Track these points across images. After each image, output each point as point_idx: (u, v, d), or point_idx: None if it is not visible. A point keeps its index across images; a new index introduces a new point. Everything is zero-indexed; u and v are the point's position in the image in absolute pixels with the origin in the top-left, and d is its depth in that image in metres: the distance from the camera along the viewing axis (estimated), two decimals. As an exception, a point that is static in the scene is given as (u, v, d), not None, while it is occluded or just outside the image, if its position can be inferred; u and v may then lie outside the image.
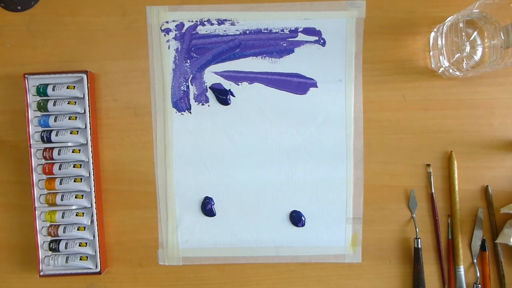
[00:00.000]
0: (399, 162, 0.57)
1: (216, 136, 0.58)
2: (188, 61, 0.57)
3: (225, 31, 0.57)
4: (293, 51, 0.57)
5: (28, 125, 0.56)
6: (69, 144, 0.56)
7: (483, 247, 0.57)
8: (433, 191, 0.57)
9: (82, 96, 0.56)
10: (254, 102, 0.57)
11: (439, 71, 0.56)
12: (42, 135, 0.56)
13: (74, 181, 0.56)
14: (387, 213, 0.58)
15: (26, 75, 0.55)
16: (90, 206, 0.56)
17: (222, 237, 0.58)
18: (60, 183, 0.56)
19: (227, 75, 0.57)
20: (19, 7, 0.57)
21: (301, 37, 0.57)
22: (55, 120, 0.55)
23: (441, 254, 0.57)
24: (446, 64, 0.54)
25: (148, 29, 0.57)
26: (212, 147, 0.58)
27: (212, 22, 0.57)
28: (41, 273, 0.57)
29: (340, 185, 0.58)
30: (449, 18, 0.54)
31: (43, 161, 0.57)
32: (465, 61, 0.52)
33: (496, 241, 0.56)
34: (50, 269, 0.57)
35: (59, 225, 0.57)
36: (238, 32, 0.57)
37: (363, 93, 0.57)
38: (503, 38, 0.50)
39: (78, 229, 0.56)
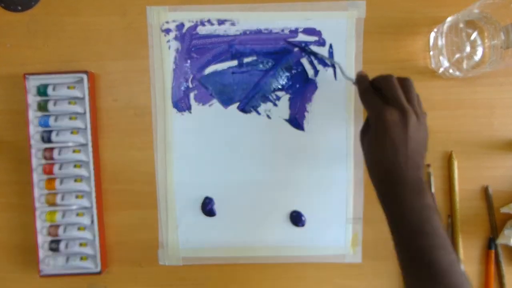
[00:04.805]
0: (399, 162, 0.57)
1: (216, 136, 0.58)
2: (189, 61, 0.57)
3: (225, 31, 0.57)
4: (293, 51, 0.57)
5: (28, 125, 0.56)
6: (70, 144, 0.56)
7: (489, 246, 0.57)
8: (433, 191, 0.57)
9: (83, 96, 0.56)
10: (254, 102, 0.58)
11: (439, 71, 0.56)
12: (42, 135, 0.55)
13: (75, 181, 0.56)
14: (387, 213, 0.58)
15: (26, 75, 0.55)
16: (90, 206, 0.56)
17: (222, 237, 0.58)
18: (61, 183, 0.56)
19: (227, 75, 0.57)
20: (19, 7, 0.57)
21: (301, 37, 0.57)
22: (55, 120, 0.55)
23: (441, 254, 0.57)
24: (446, 64, 0.54)
25: (148, 29, 0.57)
26: (212, 147, 0.58)
27: (212, 22, 0.57)
28: (41, 273, 0.57)
29: (340, 185, 0.58)
30: (449, 18, 0.54)
31: (43, 161, 0.57)
32: (465, 61, 0.52)
33: (496, 242, 0.56)
34: (50, 269, 0.57)
35: (59, 225, 0.57)
36: (238, 32, 0.57)
37: (363, 93, 0.57)
38: (503, 38, 0.50)
39: (78, 229, 0.56)
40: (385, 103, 0.46)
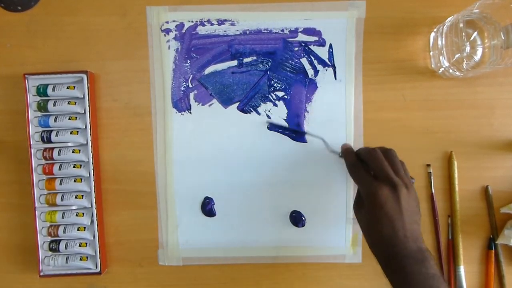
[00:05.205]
0: (399, 162, 0.57)
1: (216, 136, 0.58)
2: (188, 61, 0.57)
3: (225, 31, 0.57)
4: (293, 51, 0.57)
5: (28, 125, 0.56)
6: (69, 144, 0.56)
7: (489, 246, 0.57)
8: (433, 191, 0.57)
9: (82, 96, 0.56)
10: (254, 102, 0.58)
11: (439, 71, 0.56)
12: (42, 135, 0.55)
13: (74, 181, 0.56)
14: (387, 213, 0.58)
15: (26, 75, 0.55)
16: (90, 206, 0.56)
17: (222, 237, 0.58)
18: (60, 183, 0.56)
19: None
20: (19, 7, 0.57)
21: (301, 37, 0.57)
22: (55, 120, 0.55)
23: (441, 254, 0.57)
24: (446, 64, 0.54)
25: (148, 29, 0.57)
26: (212, 147, 0.58)
27: (212, 22, 0.57)
28: (41, 273, 0.57)
29: (340, 185, 0.58)
30: (449, 18, 0.54)
31: (43, 161, 0.57)
32: (465, 61, 0.52)
33: (496, 242, 0.56)
34: (50, 269, 0.57)
35: (59, 225, 0.57)
36: (238, 32, 0.57)
37: (363, 93, 0.57)
38: (503, 38, 0.50)
39: (78, 229, 0.56)
40: (374, 178, 0.48)
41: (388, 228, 0.46)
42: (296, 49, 0.57)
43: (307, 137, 0.57)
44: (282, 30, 0.57)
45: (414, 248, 0.45)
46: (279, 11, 0.56)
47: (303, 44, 0.57)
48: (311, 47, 0.57)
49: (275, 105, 0.57)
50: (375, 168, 0.49)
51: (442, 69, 0.55)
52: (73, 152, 0.56)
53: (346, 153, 0.53)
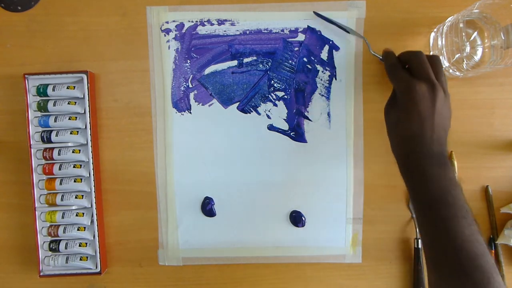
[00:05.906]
0: (399, 162, 0.57)
1: (216, 136, 0.58)
2: (188, 61, 0.57)
3: (225, 31, 0.57)
4: (293, 51, 0.57)
5: (28, 125, 0.56)
6: (69, 144, 0.56)
7: (489, 246, 0.57)
8: (433, 191, 0.57)
9: (82, 96, 0.56)
10: (254, 102, 0.58)
11: (439, 71, 0.56)
12: (42, 135, 0.56)
13: (74, 181, 0.56)
14: (387, 213, 0.58)
15: (26, 75, 0.55)
16: (90, 206, 0.56)
17: (222, 237, 0.58)
18: (60, 183, 0.56)
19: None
20: (19, 7, 0.57)
21: (301, 37, 0.57)
22: (55, 120, 0.55)
23: (441, 254, 0.57)
24: (446, 64, 0.54)
25: (148, 29, 0.57)
26: (212, 147, 0.58)
27: (212, 22, 0.57)
28: (41, 273, 0.57)
29: (340, 185, 0.58)
30: (449, 18, 0.54)
31: (43, 161, 0.57)
32: (465, 61, 0.52)
33: (496, 242, 0.56)
34: (50, 269, 0.57)
35: (59, 225, 0.57)
36: (238, 32, 0.57)
37: (363, 93, 0.57)
38: (503, 38, 0.50)
39: (78, 229, 0.56)
40: (414, 77, 0.47)
41: (417, 126, 0.46)
42: (296, 49, 0.57)
43: (307, 137, 0.57)
44: (282, 30, 0.57)
45: (438, 151, 0.45)
46: (279, 11, 0.56)
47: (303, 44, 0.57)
48: (311, 47, 0.57)
49: (275, 105, 0.57)
50: (416, 67, 0.47)
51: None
52: (73, 152, 0.56)
53: (387, 54, 0.52)
